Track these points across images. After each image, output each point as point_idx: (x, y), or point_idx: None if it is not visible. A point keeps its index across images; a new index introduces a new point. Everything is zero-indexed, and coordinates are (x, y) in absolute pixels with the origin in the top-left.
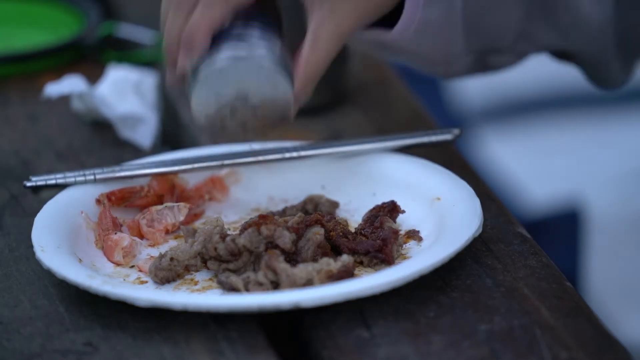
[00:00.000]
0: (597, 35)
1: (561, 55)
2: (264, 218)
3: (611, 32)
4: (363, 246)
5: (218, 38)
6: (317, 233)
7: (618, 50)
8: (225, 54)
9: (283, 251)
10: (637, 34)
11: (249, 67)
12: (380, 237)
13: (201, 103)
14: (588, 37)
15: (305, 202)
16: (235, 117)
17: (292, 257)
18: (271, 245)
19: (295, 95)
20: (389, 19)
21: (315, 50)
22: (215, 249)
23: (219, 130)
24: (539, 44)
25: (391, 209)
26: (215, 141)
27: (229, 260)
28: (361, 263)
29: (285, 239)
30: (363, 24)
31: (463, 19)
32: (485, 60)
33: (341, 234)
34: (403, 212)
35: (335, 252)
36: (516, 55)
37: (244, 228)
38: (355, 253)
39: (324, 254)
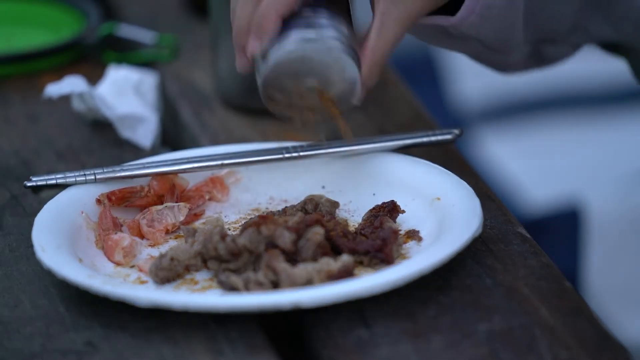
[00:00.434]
0: None
1: (613, 48)
2: (264, 218)
3: None
4: (363, 246)
5: (287, 24)
6: (317, 233)
7: None
8: (295, 37)
9: (283, 251)
10: None
11: (317, 50)
12: (380, 237)
13: (271, 86)
14: None
15: (305, 202)
16: (304, 100)
17: (292, 257)
18: (271, 245)
19: (362, 80)
20: (451, 9)
21: (381, 36)
22: (216, 249)
23: (288, 113)
24: (592, 35)
25: (391, 209)
26: (284, 123)
27: (229, 260)
28: (361, 263)
29: (285, 239)
30: (428, 10)
31: (525, 5)
32: (541, 51)
33: (341, 234)
34: (403, 212)
35: (335, 252)
36: (570, 46)
37: (244, 228)
38: (355, 253)
39: (324, 254)
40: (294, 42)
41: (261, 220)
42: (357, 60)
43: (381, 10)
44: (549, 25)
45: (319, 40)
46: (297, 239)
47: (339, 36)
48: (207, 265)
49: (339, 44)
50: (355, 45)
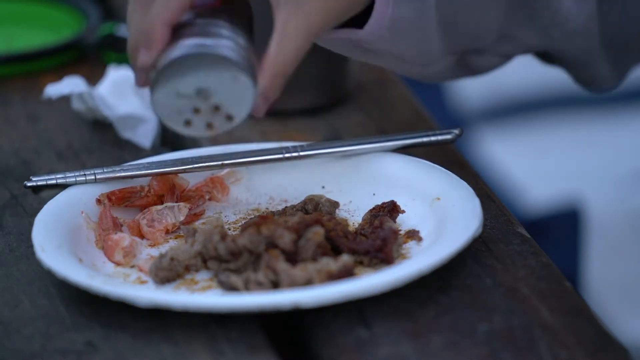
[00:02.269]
0: (580, 35)
1: (547, 57)
2: (264, 218)
3: (595, 32)
4: (363, 246)
5: (179, 34)
6: (317, 233)
7: (605, 51)
8: (185, 45)
9: (283, 251)
10: (622, 35)
11: (208, 60)
12: (380, 237)
13: (161, 100)
14: (570, 37)
15: (305, 202)
16: (198, 114)
17: (292, 257)
18: (271, 245)
19: (263, 91)
20: (364, 19)
21: (282, 48)
22: (216, 249)
23: (184, 128)
24: (521, 45)
25: (391, 209)
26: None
27: (229, 260)
28: (361, 263)
29: (285, 239)
30: (334, 21)
31: (438, 17)
32: (468, 61)
33: (341, 234)
34: (403, 212)
35: (335, 252)
36: (499, 56)
37: (244, 228)
38: (355, 253)
39: (324, 254)
40: (184, 49)
41: (261, 221)
42: (254, 73)
43: (282, 20)
44: (471, 35)
45: (209, 49)
46: (297, 239)
47: (232, 47)
48: (207, 265)
49: (230, 55)
50: (253, 57)
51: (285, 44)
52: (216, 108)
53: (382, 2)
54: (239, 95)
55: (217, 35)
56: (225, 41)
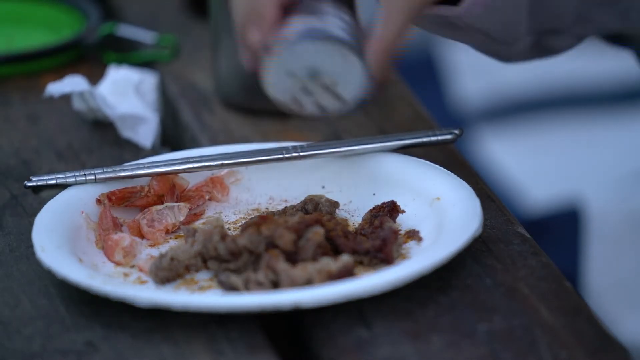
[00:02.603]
0: None
1: (616, 39)
2: (263, 218)
3: None
4: (363, 246)
5: (290, 13)
6: (317, 233)
7: None
8: (296, 28)
9: (283, 251)
10: None
11: (319, 40)
12: (380, 237)
13: (273, 79)
14: None
15: (305, 202)
16: (309, 94)
17: (292, 257)
18: (271, 245)
19: (371, 71)
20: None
21: (387, 25)
22: (216, 248)
23: (295, 106)
24: (597, 26)
25: (391, 209)
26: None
27: (229, 260)
28: (361, 263)
29: (285, 239)
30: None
31: None
32: (544, 42)
33: (341, 234)
34: (403, 212)
35: (335, 252)
36: (575, 37)
37: (244, 228)
38: (355, 253)
39: (324, 254)
40: (292, 28)
41: (261, 221)
42: (361, 49)
43: (386, 0)
44: (553, 15)
45: (318, 27)
46: (297, 239)
47: (340, 23)
48: (207, 265)
49: (340, 31)
50: (359, 34)
51: (390, 23)
52: (327, 88)
53: None
54: (349, 75)
55: (325, 13)
56: (334, 19)
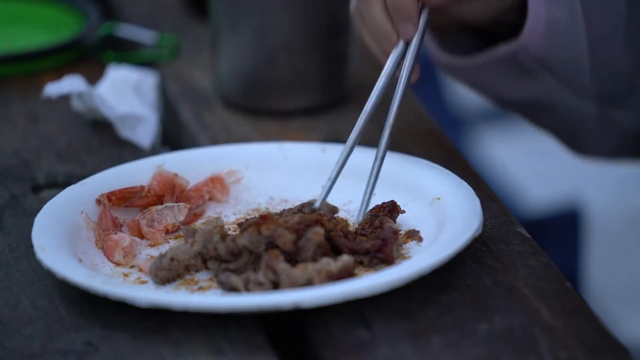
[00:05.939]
0: None
1: None
2: (264, 218)
3: None
4: (363, 246)
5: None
6: (317, 233)
7: None
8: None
9: (283, 251)
10: None
11: None
12: (380, 237)
13: None
14: None
15: (303, 206)
16: None
17: (292, 257)
18: (271, 245)
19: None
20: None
21: None
22: (216, 249)
23: None
24: None
25: (391, 209)
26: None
27: (229, 260)
28: (361, 263)
29: (285, 238)
30: None
31: (585, 27)
32: (608, 115)
33: (341, 234)
34: (403, 212)
35: (335, 252)
36: (636, 113)
37: (244, 228)
38: (355, 253)
39: (324, 254)
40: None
41: (261, 221)
42: None
43: None
44: (609, 72)
45: None
46: (297, 239)
47: None
48: (207, 265)
49: None
50: None
51: None
52: None
53: (536, 2)
54: None
55: None
56: None
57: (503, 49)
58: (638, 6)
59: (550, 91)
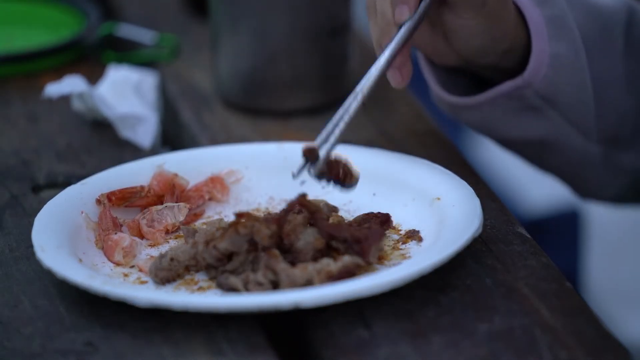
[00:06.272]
0: None
1: None
2: (240, 216)
3: None
4: (342, 234)
5: None
6: (318, 240)
7: None
8: None
9: (283, 251)
10: None
11: None
12: (364, 232)
13: None
14: None
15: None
16: None
17: (292, 258)
18: (253, 242)
19: None
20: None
21: None
22: (204, 258)
23: None
24: None
25: (383, 221)
26: None
27: (220, 265)
28: (336, 250)
29: (262, 234)
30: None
31: (588, 64)
32: (613, 156)
33: (325, 216)
34: (393, 228)
35: (328, 247)
36: None
37: (224, 232)
38: (333, 239)
39: (318, 250)
40: None
41: (237, 219)
42: None
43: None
44: (612, 112)
45: None
46: (278, 229)
47: None
48: (206, 272)
49: None
50: None
51: None
52: None
53: (539, 39)
54: None
55: None
56: None
57: (508, 85)
58: (633, 51)
59: (556, 130)
